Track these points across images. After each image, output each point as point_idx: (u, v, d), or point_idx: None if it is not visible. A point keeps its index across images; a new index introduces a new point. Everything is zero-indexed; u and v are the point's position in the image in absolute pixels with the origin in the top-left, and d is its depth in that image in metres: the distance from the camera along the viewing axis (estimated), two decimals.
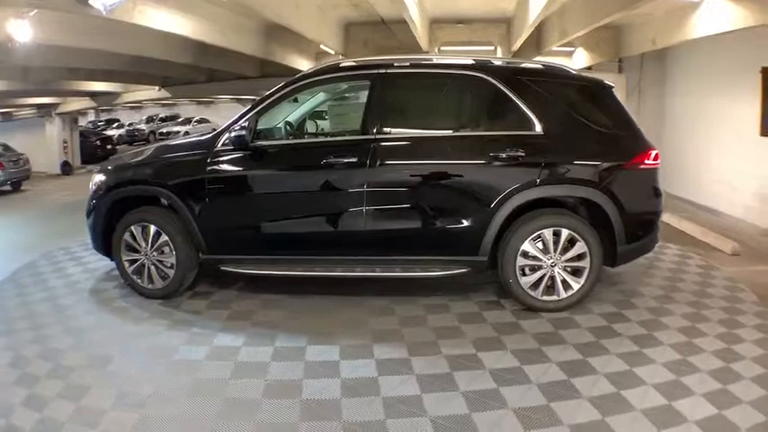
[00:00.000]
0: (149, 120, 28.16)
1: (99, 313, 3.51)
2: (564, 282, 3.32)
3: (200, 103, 28.44)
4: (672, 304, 3.54)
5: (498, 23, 11.09)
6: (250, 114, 3.43)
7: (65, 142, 14.87)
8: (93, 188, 3.78)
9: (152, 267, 3.58)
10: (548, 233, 3.25)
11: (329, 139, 3.96)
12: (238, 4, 5.51)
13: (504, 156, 3.18)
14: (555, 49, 10.19)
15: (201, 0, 6.58)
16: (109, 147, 18.50)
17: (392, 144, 3.34)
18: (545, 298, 3.33)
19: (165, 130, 25.40)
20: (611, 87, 3.45)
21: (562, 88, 3.37)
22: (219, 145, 3.44)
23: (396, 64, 3.42)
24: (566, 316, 3.30)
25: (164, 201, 3.68)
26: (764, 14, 4.45)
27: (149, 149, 4.08)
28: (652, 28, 7.56)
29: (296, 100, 4.08)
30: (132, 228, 3.55)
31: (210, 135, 3.59)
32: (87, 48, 6.91)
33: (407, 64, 3.46)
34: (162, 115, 28.80)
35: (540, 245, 3.27)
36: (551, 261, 3.28)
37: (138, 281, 3.63)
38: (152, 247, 3.54)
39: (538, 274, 3.30)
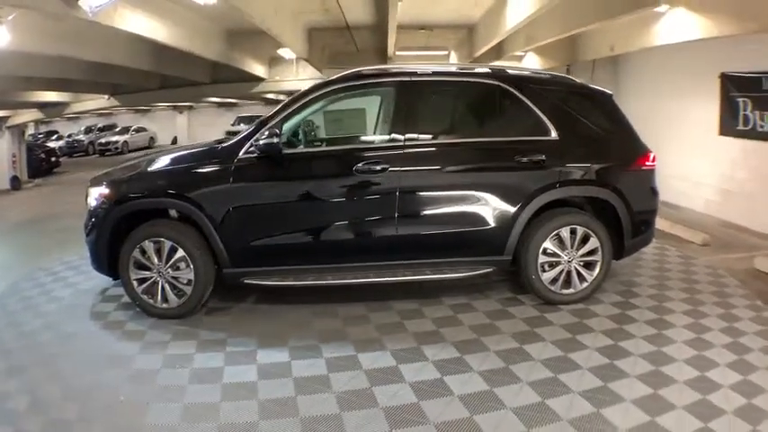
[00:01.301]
0: (88, 130, 26.92)
1: (111, 340, 3.34)
2: (579, 275, 3.67)
3: (137, 111, 27.46)
4: (669, 291, 4.02)
5: (458, 29, 11.56)
6: (275, 122, 3.45)
7: (14, 156, 13.90)
8: (93, 202, 3.61)
9: (166, 285, 3.48)
10: (565, 231, 3.59)
11: (359, 145, 3.97)
12: (228, 5, 5.49)
13: (527, 160, 3.48)
14: (483, 53, 10.63)
15: (174, 4, 6.51)
16: (53, 159, 17.53)
17: (421, 150, 3.52)
18: (563, 291, 3.67)
19: (104, 140, 24.36)
20: (611, 95, 3.88)
21: (571, 96, 3.73)
22: (242, 153, 3.42)
23: (419, 72, 3.61)
24: (582, 307, 3.66)
25: (173, 213, 3.61)
26: (725, 26, 5.10)
27: (152, 160, 3.92)
28: (610, 34, 8.23)
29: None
30: (144, 243, 3.43)
31: (231, 143, 3.55)
32: (53, 54, 6.62)
33: (430, 72, 3.66)
34: (100, 125, 27.54)
35: (557, 242, 3.60)
36: (568, 257, 3.63)
37: (150, 301, 3.51)
38: (166, 263, 3.45)
39: (557, 270, 3.63)
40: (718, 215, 6.80)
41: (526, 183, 3.49)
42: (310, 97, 3.54)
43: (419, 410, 2.44)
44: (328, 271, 3.53)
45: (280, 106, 3.58)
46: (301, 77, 14.70)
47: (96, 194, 3.61)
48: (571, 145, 3.58)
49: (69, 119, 25.21)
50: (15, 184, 13.48)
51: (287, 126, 3.60)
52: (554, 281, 3.64)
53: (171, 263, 3.45)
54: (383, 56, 14.90)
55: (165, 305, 3.51)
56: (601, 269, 3.68)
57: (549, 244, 3.57)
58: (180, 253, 3.42)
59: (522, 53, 11.83)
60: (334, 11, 8.48)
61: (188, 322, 3.50)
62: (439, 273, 3.56)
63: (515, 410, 2.41)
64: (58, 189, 13.46)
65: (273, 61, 13.69)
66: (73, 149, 24.27)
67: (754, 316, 3.52)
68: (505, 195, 3.50)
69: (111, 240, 3.50)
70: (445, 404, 2.48)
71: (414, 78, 3.57)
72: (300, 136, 4.16)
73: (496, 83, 3.61)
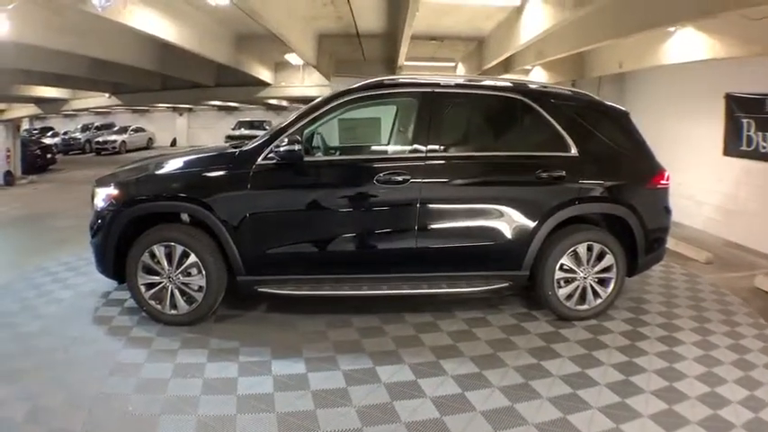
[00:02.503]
0: (85, 128, 26.88)
1: (117, 346, 3.25)
2: (594, 291, 3.81)
3: (135, 111, 27.59)
4: (676, 309, 4.19)
5: (468, 41, 11.70)
6: (295, 128, 3.47)
7: (8, 151, 13.85)
8: (100, 203, 3.57)
9: (176, 291, 3.47)
10: (582, 247, 3.73)
11: (380, 155, 4.01)
12: (237, 8, 5.60)
13: (547, 176, 3.61)
14: (492, 66, 10.81)
15: (187, 5, 6.62)
16: (49, 156, 17.43)
17: (444, 162, 3.60)
18: (578, 307, 3.80)
19: (101, 139, 24.30)
20: (628, 113, 4.03)
21: (589, 112, 3.87)
22: (261, 159, 3.42)
23: (442, 83, 3.71)
24: (595, 323, 3.80)
25: (185, 218, 3.59)
26: (732, 48, 5.32)
27: (161, 162, 3.87)
28: (619, 51, 8.44)
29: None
30: (154, 247, 3.42)
31: (249, 148, 3.54)
32: (56, 48, 6.63)
33: (453, 84, 3.77)
34: (97, 124, 27.56)
35: (574, 258, 3.73)
36: (584, 273, 3.76)
37: (158, 307, 3.49)
38: (177, 268, 3.44)
39: (572, 286, 3.77)
40: (720, 234, 6.99)
41: (546, 198, 3.61)
42: (332, 105, 3.56)
43: (442, 426, 2.49)
44: (344, 281, 3.57)
45: (300, 113, 3.59)
46: (307, 84, 14.84)
47: (104, 195, 3.57)
48: (590, 162, 3.71)
49: (66, 116, 25.29)
50: (8, 179, 13.44)
51: (306, 133, 3.61)
52: (569, 297, 3.77)
53: (182, 268, 3.44)
54: (391, 65, 15.08)
55: (173, 312, 3.50)
56: (615, 286, 3.83)
57: (566, 260, 3.71)
58: (192, 258, 3.42)
59: (530, 67, 12.04)
60: (346, 18, 8.61)
61: (197, 330, 3.49)
62: (455, 286, 3.66)
63: (538, 426, 2.51)
64: (54, 187, 13.39)
65: (279, 66, 13.82)
66: (69, 147, 24.22)
67: (758, 333, 3.72)
68: (526, 210, 3.61)
69: (119, 243, 3.48)
70: (468, 420, 2.55)
71: (436, 90, 3.64)
72: (317, 143, 4.17)
73: (518, 97, 3.71)
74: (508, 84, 3.87)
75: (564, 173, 3.62)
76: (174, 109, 27.93)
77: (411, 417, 2.57)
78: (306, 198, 3.50)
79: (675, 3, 4.33)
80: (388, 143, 4.74)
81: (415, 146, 3.60)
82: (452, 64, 15.40)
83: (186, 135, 29.49)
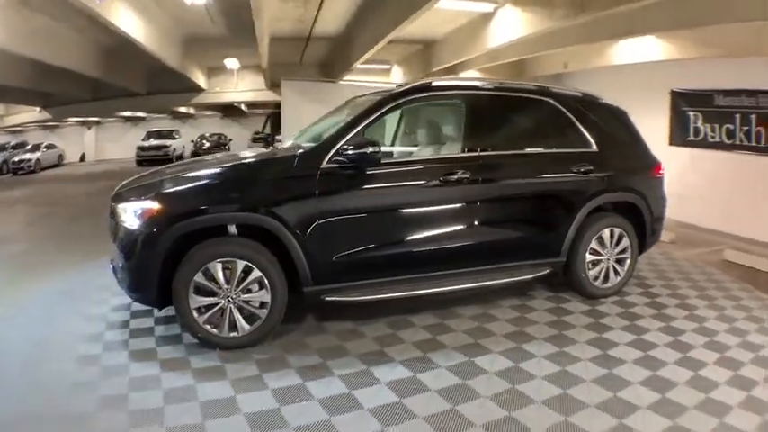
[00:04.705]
0: (2, 148, 24.43)
1: (190, 384, 2.96)
2: (615, 271, 4.52)
3: (45, 127, 25.87)
4: (673, 282, 5.04)
5: (412, 44, 12.30)
6: (355, 131, 3.58)
7: None
8: (135, 221, 3.30)
9: (236, 311, 3.35)
10: (606, 232, 4.42)
11: (444, 155, 4.09)
12: (194, 9, 5.72)
13: (580, 170, 4.23)
14: (441, 69, 11.62)
15: (156, 6, 6.57)
16: None
17: (495, 161, 4.00)
18: (603, 286, 4.47)
19: (17, 159, 21.96)
20: (626, 112, 4.82)
21: (600, 111, 4.56)
22: (326, 162, 3.48)
23: (481, 86, 4.17)
24: (618, 299, 4.49)
25: (232, 230, 3.41)
26: (688, 50, 6.41)
27: (193, 171, 3.71)
28: (565, 52, 9.52)
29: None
30: (210, 265, 3.27)
31: (308, 151, 3.58)
32: (11, 50, 6.21)
33: (491, 87, 4.21)
34: (13, 143, 25.06)
35: (599, 242, 4.41)
36: (607, 255, 4.46)
37: (214, 331, 3.33)
38: (237, 286, 3.34)
39: (599, 268, 4.43)
40: (675, 216, 8.20)
41: (580, 190, 4.23)
42: (387, 107, 3.76)
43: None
44: (406, 282, 3.77)
45: (355, 116, 3.70)
46: (241, 89, 14.75)
47: (138, 211, 3.32)
48: (608, 156, 4.39)
49: None
50: None
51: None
52: (596, 278, 4.43)
53: (243, 285, 3.33)
54: (327, 69, 15.43)
55: (233, 334, 3.35)
56: (631, 265, 4.57)
57: (594, 244, 4.36)
58: (255, 273, 3.33)
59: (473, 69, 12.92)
60: (307, 21, 8.88)
61: (261, 351, 3.36)
62: (511, 276, 4.10)
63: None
64: None
65: (212, 72, 13.62)
66: None
67: (750, 295, 4.66)
68: (565, 202, 4.20)
69: (165, 264, 3.26)
70: (586, 388, 2.94)
71: (479, 92, 4.11)
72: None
73: (546, 99, 4.31)
74: (534, 87, 4.43)
75: (591, 167, 4.28)
76: (83, 123, 26.89)
77: (539, 396, 2.85)
78: (375, 200, 3.62)
79: (653, 15, 5.23)
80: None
81: (470, 146, 3.95)
82: (387, 67, 16.05)
83: (95, 149, 28.58)
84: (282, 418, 2.63)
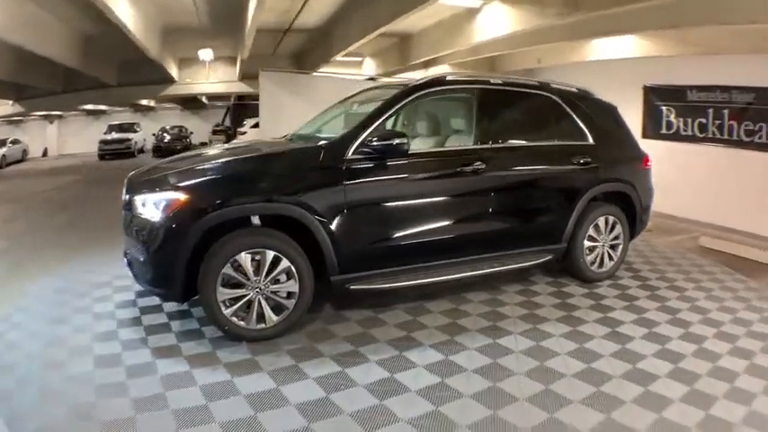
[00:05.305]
0: None
1: (224, 377, 2.95)
2: (609, 256, 4.83)
3: (10, 122, 24.88)
4: (659, 266, 5.40)
5: (389, 37, 12.43)
6: (379, 122, 3.71)
7: None
8: (158, 212, 3.26)
9: (264, 303, 3.37)
10: (602, 220, 4.71)
11: (463, 147, 4.21)
12: None
13: (580, 161, 4.50)
14: (417, 63, 11.90)
15: None
16: None
17: (505, 153, 4.22)
18: (598, 270, 4.77)
19: None
20: (617, 107, 5.13)
21: (594, 107, 4.85)
22: (352, 153, 3.57)
23: (492, 81, 4.37)
24: (612, 282, 4.80)
25: (255, 221, 3.44)
26: (666, 47, 6.80)
27: (210, 161, 3.73)
28: (538, 48, 9.80)
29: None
30: (239, 257, 3.29)
31: (333, 142, 3.67)
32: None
33: (501, 82, 4.43)
34: None
35: (595, 230, 4.70)
36: (602, 241, 4.76)
37: (242, 323, 3.34)
38: (266, 276, 3.36)
39: (595, 253, 4.73)
40: None
41: (580, 180, 4.50)
42: (407, 99, 3.91)
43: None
44: (426, 269, 3.90)
45: (378, 108, 3.82)
46: (213, 80, 14.51)
47: (162, 202, 3.28)
48: (603, 148, 4.68)
49: None
50: None
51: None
52: (592, 263, 4.73)
53: (271, 276, 3.36)
54: (300, 60, 15.36)
55: (261, 326, 3.38)
56: (623, 250, 4.89)
57: (591, 231, 4.65)
58: (283, 264, 3.37)
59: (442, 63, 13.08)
60: (292, 11, 8.85)
61: (287, 342, 3.38)
62: (519, 262, 4.32)
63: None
64: None
65: (183, 63, 13.35)
66: None
67: (733, 277, 5.08)
68: (567, 191, 4.47)
69: (192, 257, 3.24)
70: (607, 361, 3.22)
71: (489, 87, 4.30)
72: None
73: (546, 94, 4.56)
74: (536, 83, 4.67)
75: (589, 158, 4.56)
76: (46, 117, 26.22)
77: (568, 371, 3.08)
78: (402, 190, 3.76)
79: (645, 16, 5.54)
80: (451, 135, 4.89)
81: (483, 137, 4.14)
82: (359, 59, 16.12)
83: (57, 143, 27.80)
84: (335, 405, 2.68)
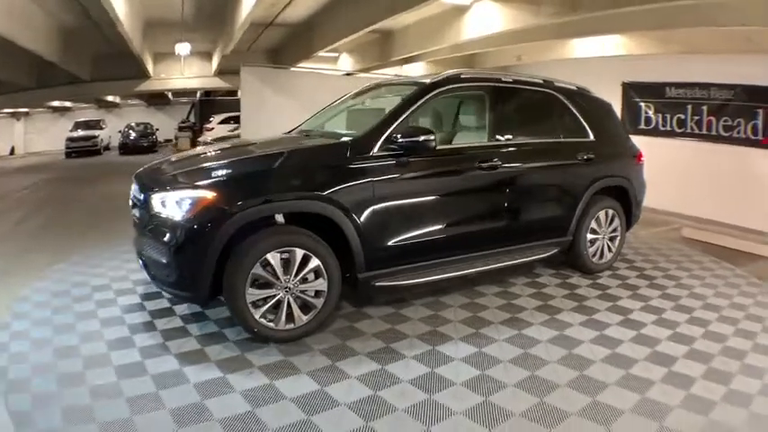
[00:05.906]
0: None
1: (262, 382, 2.88)
2: (608, 248, 5.09)
3: None
4: (653, 257, 5.71)
5: (371, 33, 12.43)
6: (402, 119, 3.74)
7: None
8: (181, 211, 3.15)
9: (293, 302, 3.34)
10: (602, 213, 4.96)
11: (483, 143, 4.29)
12: None
13: (584, 157, 4.72)
14: (396, 59, 12.04)
15: None
16: None
17: (519, 149, 4.35)
18: (599, 261, 5.02)
19: None
20: (611, 104, 5.38)
21: (592, 104, 5.09)
22: (378, 150, 3.60)
23: (503, 79, 4.50)
24: (611, 273, 5.06)
25: (280, 219, 3.40)
26: (649, 47, 7.10)
27: (240, 156, 3.69)
28: (518, 45, 10.01)
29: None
30: (269, 256, 3.22)
31: (357, 139, 3.67)
32: None
33: (511, 80, 4.56)
34: None
35: (596, 223, 4.94)
36: (603, 234, 5.01)
37: (271, 324, 3.28)
38: (295, 275, 3.32)
39: (596, 245, 4.97)
40: None
41: (585, 175, 4.72)
42: (427, 96, 3.95)
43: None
44: (442, 265, 3.97)
45: (399, 105, 3.85)
46: (187, 75, 14.22)
47: (186, 200, 3.16)
48: (603, 145, 4.91)
49: None
50: None
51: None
52: (593, 254, 4.97)
53: (301, 275, 3.33)
54: (277, 55, 15.21)
55: (289, 326, 3.34)
56: (620, 242, 5.16)
57: (593, 224, 4.89)
58: (313, 262, 3.34)
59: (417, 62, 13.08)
60: (278, 6, 8.77)
61: (316, 341, 3.39)
62: (529, 256, 4.50)
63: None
64: None
65: (158, 57, 13.01)
66: None
67: (719, 266, 5.42)
68: (573, 186, 4.67)
69: (220, 257, 3.15)
70: (618, 341, 3.47)
71: (501, 84, 4.44)
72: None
73: (551, 91, 4.75)
74: (541, 81, 4.83)
75: (592, 154, 4.79)
76: (13, 115, 25.59)
77: (596, 356, 3.27)
78: (428, 185, 3.82)
79: (639, 17, 5.78)
80: (460, 132, 4.88)
81: (497, 134, 4.28)
82: (335, 55, 16.08)
83: (23, 140, 27.22)
84: (387, 402, 2.70)
